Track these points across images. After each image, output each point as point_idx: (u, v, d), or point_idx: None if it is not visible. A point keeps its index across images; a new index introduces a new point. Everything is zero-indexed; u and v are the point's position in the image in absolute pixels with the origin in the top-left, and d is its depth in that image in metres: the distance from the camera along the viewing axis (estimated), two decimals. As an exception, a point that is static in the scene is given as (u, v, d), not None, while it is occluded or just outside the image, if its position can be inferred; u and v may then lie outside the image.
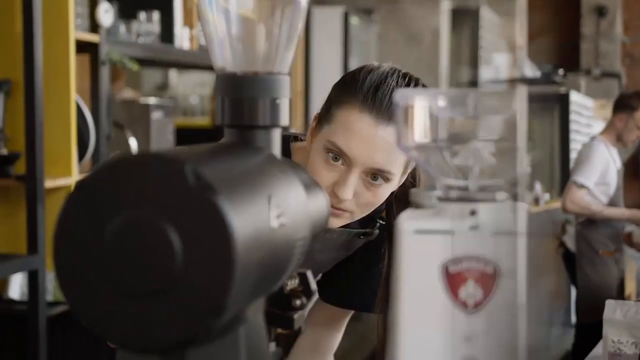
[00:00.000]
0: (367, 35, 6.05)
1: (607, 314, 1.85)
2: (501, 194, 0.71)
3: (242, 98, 0.78)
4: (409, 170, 1.30)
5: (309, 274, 0.83)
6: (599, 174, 4.21)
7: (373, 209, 1.28)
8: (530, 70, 5.62)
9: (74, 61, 2.55)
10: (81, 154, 2.66)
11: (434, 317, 0.68)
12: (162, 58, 3.28)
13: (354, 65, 6.42)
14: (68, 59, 2.52)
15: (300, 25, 0.81)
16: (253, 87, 0.78)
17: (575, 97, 6.67)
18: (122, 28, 2.99)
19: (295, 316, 0.78)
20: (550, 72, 5.99)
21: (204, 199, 0.61)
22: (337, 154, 1.22)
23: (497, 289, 0.68)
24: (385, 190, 1.25)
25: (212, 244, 0.61)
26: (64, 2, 2.52)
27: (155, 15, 3.11)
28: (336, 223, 1.27)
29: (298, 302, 0.80)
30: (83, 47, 2.69)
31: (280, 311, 0.79)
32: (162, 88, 6.30)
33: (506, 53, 5.47)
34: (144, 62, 3.24)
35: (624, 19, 9.68)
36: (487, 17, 6.81)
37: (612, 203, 4.30)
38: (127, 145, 2.92)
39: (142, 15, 3.13)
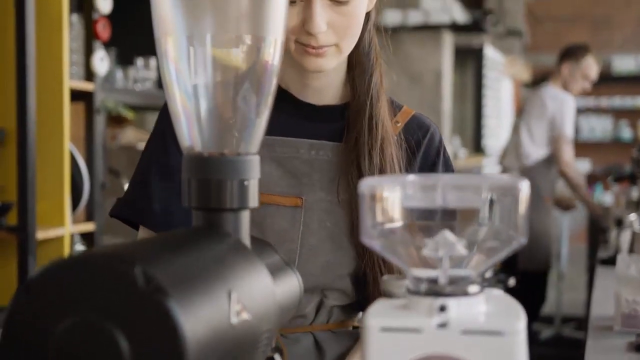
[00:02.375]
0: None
1: (619, 269, 1.69)
2: (473, 287, 0.68)
3: (209, 179, 0.75)
4: None
5: (277, 358, 0.80)
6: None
7: (357, 34, 1.19)
8: (460, 14, 5.55)
9: (68, 110, 2.54)
10: (75, 204, 2.64)
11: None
12: (159, 104, 3.26)
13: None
14: (62, 107, 2.51)
15: (269, 104, 0.79)
16: (220, 168, 0.76)
17: (488, 52, 6.71)
18: (119, 74, 2.99)
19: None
20: (480, 18, 5.87)
21: (154, 302, 0.58)
22: None
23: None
24: (358, 8, 1.16)
25: (163, 350, 0.58)
26: (58, 50, 2.51)
27: (153, 61, 3.10)
28: (327, 63, 1.17)
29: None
30: (78, 95, 2.68)
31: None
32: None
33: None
34: (141, 108, 3.23)
35: None
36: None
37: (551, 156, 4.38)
38: (123, 193, 2.89)
39: (139, 61, 3.12)
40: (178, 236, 0.73)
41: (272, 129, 1.21)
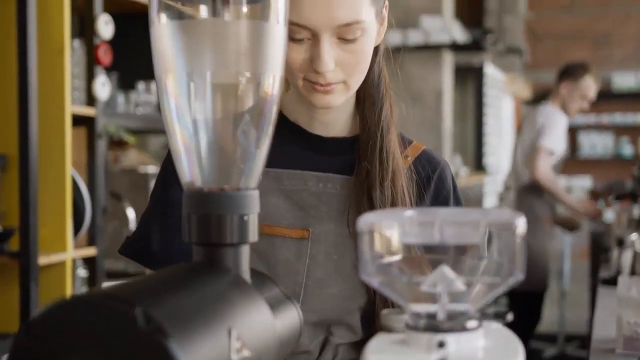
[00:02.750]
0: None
1: (620, 291, 1.68)
2: (472, 322, 0.69)
3: (209, 215, 0.76)
4: (383, 11, 1.21)
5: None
6: (562, 141, 4.31)
7: (365, 70, 1.17)
8: (460, 34, 5.58)
9: (70, 135, 2.55)
10: (77, 228, 2.64)
11: None
12: (160, 128, 3.29)
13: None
14: (64, 133, 2.52)
15: (269, 138, 0.80)
16: (220, 203, 0.76)
17: (489, 70, 6.74)
18: (121, 98, 3.00)
19: None
20: (480, 37, 5.90)
21: (154, 343, 0.59)
22: (297, 31, 1.12)
23: None
24: (366, 44, 1.15)
25: (164, 390, 0.58)
26: (60, 76, 2.53)
27: (154, 85, 3.12)
28: (335, 100, 1.17)
29: None
30: (80, 120, 2.69)
31: None
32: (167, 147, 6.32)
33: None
34: (143, 132, 3.25)
35: None
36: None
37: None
38: (125, 217, 2.91)
39: (141, 85, 3.14)
40: (178, 273, 0.73)
41: (281, 161, 1.22)
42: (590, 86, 4.42)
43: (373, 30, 1.16)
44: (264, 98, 0.78)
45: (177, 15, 0.79)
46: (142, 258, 1.26)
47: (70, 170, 2.56)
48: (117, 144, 3.36)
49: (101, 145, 2.72)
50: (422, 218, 0.69)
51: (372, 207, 1.18)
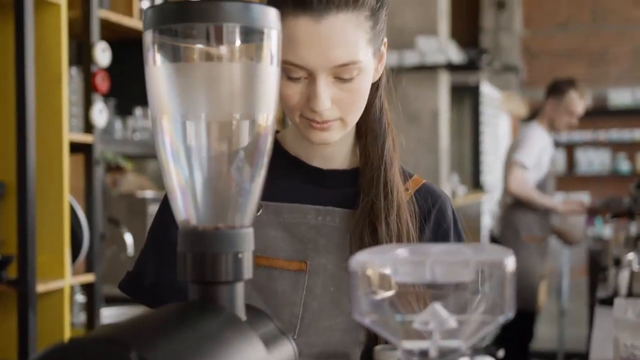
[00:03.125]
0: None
1: (617, 313, 1.68)
2: (464, 359, 0.70)
3: (204, 253, 0.77)
4: (381, 48, 1.20)
5: None
6: (537, 156, 4.26)
7: (362, 107, 1.17)
8: (456, 55, 5.62)
9: (67, 162, 2.56)
10: (75, 255, 2.65)
11: None
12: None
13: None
14: (62, 160, 2.53)
15: (262, 179, 0.81)
16: (215, 242, 0.77)
17: (485, 89, 6.76)
18: (118, 124, 3.02)
19: None
20: (475, 57, 5.94)
21: (150, 386, 0.60)
22: (294, 70, 1.12)
23: None
24: (363, 83, 1.15)
25: None
26: (58, 103, 2.54)
27: (151, 110, 3.11)
28: (332, 137, 1.17)
29: None
30: (77, 147, 2.70)
31: None
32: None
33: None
34: (140, 157, 3.26)
35: (524, 12, 9.92)
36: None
37: (539, 188, 4.34)
38: (123, 242, 2.92)
39: (138, 110, 3.16)
40: (174, 312, 0.74)
41: (281, 194, 1.23)
42: (574, 101, 4.39)
43: (370, 68, 1.16)
44: (257, 136, 0.80)
45: (172, 58, 0.81)
46: (138, 295, 1.28)
47: (68, 198, 2.57)
48: (115, 167, 3.37)
49: (99, 171, 2.73)
50: (413, 257, 0.71)
51: (376, 241, 1.18)
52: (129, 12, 2.97)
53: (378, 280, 0.71)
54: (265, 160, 0.81)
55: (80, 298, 2.88)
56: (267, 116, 0.80)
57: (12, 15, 2.41)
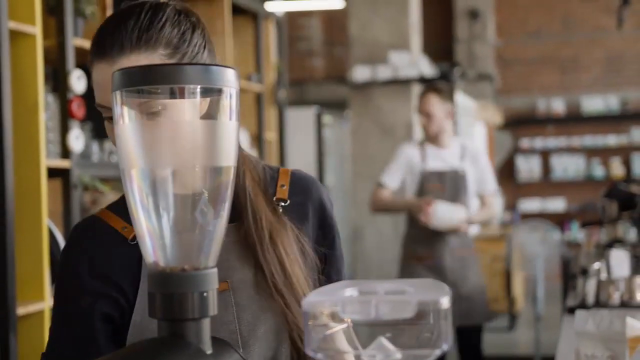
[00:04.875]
0: (341, 130, 6.19)
1: (578, 325, 1.73)
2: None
3: (172, 293, 0.84)
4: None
5: None
6: (402, 173, 4.18)
7: None
8: (428, 68, 5.71)
9: (45, 187, 2.62)
10: (54, 278, 2.70)
11: None
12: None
13: (329, 162, 6.63)
14: (40, 185, 2.59)
15: (225, 221, 0.88)
16: (182, 283, 0.84)
17: (459, 99, 6.86)
18: (95, 147, 3.08)
19: None
20: (448, 70, 6.04)
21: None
22: (105, 111, 1.19)
23: None
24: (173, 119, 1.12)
25: None
26: (35, 130, 2.60)
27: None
28: None
29: None
30: (55, 172, 2.76)
31: None
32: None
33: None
34: (118, 179, 3.32)
35: (497, 22, 10.10)
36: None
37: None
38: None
39: (114, 133, 3.22)
40: (145, 348, 0.82)
41: None
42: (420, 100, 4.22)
43: (187, 104, 1.05)
44: (219, 183, 0.87)
45: (139, 116, 0.88)
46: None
47: (46, 222, 2.63)
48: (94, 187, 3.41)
49: (76, 195, 2.79)
50: (360, 298, 0.78)
51: (262, 264, 1.26)
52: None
53: (328, 319, 0.78)
54: (227, 204, 0.88)
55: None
56: (228, 165, 0.87)
57: (-11, 45, 2.47)
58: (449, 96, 4.12)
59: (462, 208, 4.10)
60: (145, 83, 0.85)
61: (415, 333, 0.78)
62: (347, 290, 0.80)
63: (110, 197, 3.78)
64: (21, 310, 2.51)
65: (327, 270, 1.35)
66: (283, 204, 1.32)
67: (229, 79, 0.86)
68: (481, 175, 4.19)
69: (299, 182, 1.36)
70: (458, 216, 4.09)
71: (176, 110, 0.95)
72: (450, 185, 4.16)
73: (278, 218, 1.30)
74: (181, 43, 1.22)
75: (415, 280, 0.83)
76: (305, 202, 1.35)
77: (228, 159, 0.87)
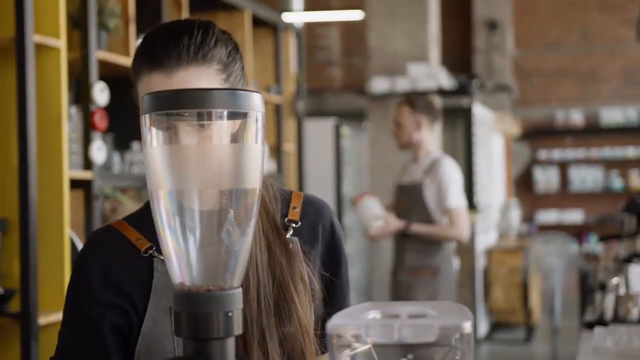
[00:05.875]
0: (359, 141, 6.20)
1: (596, 342, 1.75)
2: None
3: (197, 313, 0.86)
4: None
5: None
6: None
7: None
8: (446, 80, 5.72)
9: (68, 198, 2.65)
10: (75, 287, 2.73)
11: None
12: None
13: (347, 173, 6.64)
14: (62, 196, 2.62)
15: (249, 243, 0.90)
16: (207, 303, 0.86)
17: (477, 110, 6.84)
18: (117, 158, 3.11)
19: None
20: (466, 82, 6.05)
21: None
22: None
23: None
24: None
25: None
26: (58, 141, 2.63)
27: (149, 143, 3.20)
28: None
29: None
30: (77, 183, 2.79)
31: None
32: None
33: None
34: (138, 189, 3.35)
35: (515, 33, 10.06)
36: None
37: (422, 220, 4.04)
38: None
39: (136, 145, 3.25)
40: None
41: None
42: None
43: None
44: (245, 204, 0.89)
45: (167, 140, 0.90)
46: None
47: (68, 232, 2.66)
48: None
49: (98, 206, 2.82)
50: (383, 322, 0.80)
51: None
52: (125, 51, 3.09)
53: (352, 341, 0.80)
54: (252, 223, 0.90)
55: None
56: (253, 187, 0.89)
57: (14, 58, 2.51)
58: (422, 109, 4.04)
59: (388, 215, 4.04)
60: (174, 107, 0.87)
61: (438, 356, 0.80)
62: (370, 313, 0.82)
63: (130, 206, 3.82)
64: (43, 320, 2.54)
65: (332, 295, 1.34)
66: (294, 225, 1.33)
67: (255, 103, 0.88)
68: (439, 190, 3.99)
69: (310, 206, 1.37)
70: (374, 216, 4.02)
71: (204, 134, 0.97)
72: (408, 199, 4.10)
73: (279, 236, 1.30)
74: (230, 61, 1.25)
75: (437, 303, 0.85)
76: (316, 225, 1.36)
77: (254, 182, 0.89)
